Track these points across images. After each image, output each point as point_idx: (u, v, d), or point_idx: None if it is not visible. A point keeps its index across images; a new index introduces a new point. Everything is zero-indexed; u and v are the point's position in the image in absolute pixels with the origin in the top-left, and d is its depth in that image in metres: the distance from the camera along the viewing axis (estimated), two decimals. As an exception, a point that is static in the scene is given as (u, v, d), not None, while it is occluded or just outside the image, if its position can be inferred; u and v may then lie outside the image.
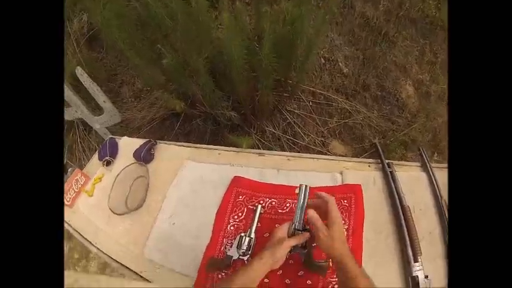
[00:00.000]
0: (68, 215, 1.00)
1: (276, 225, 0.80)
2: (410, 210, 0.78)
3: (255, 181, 0.92)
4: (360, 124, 1.80)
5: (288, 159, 0.98)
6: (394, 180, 0.85)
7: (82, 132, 2.02)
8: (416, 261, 0.71)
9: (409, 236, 0.74)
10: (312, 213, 0.64)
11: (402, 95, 1.98)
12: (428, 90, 2.03)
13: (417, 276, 0.68)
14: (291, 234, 0.68)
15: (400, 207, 0.79)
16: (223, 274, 0.77)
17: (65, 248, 1.85)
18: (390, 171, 0.88)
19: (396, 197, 0.81)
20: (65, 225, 0.98)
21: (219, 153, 1.04)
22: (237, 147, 1.03)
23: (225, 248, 0.81)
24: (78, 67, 1.38)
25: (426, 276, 0.69)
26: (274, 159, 0.99)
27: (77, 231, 0.96)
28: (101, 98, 1.48)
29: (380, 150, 0.95)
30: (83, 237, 0.94)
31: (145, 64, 1.34)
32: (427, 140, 1.89)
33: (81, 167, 1.17)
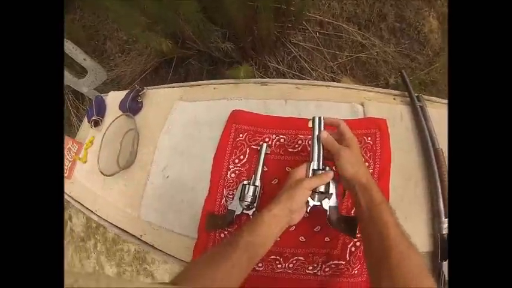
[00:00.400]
0: (68, 186, 0.98)
1: (287, 169, 0.68)
2: (443, 155, 0.66)
3: (258, 114, 0.78)
4: (374, 59, 1.64)
5: (297, 87, 0.82)
6: (425, 118, 0.71)
7: (74, 102, 1.96)
8: (447, 216, 0.60)
9: (441, 187, 0.63)
10: (326, 135, 0.58)
11: (424, 29, 1.76)
12: (454, 25, 1.83)
13: (447, 234, 0.58)
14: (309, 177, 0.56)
15: (432, 151, 0.67)
16: (225, 233, 0.67)
17: (82, 219, 1.98)
18: (420, 106, 0.73)
19: (428, 137, 0.68)
20: (66, 197, 0.98)
21: (214, 88, 0.89)
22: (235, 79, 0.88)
23: (226, 200, 0.70)
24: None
25: None
26: (280, 88, 0.83)
27: (78, 201, 0.94)
28: (79, 56, 1.37)
29: (407, 79, 0.79)
30: (84, 206, 0.92)
31: (120, 3, 1.16)
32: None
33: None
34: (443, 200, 0.62)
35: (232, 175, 0.72)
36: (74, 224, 2.00)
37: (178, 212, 0.75)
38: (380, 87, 1.59)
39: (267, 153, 0.70)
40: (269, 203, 0.53)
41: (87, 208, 0.90)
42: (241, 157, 0.73)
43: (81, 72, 1.47)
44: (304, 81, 0.82)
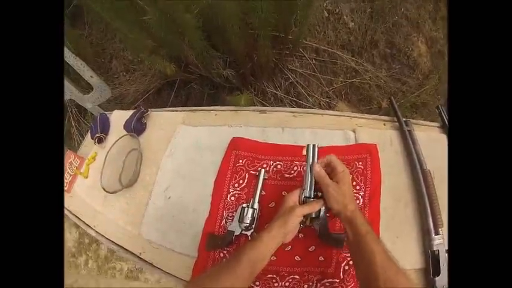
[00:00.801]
0: (66, 200, 0.97)
1: (283, 193, 0.72)
2: (431, 176, 0.70)
3: (257, 141, 0.82)
4: (367, 84, 1.68)
5: (294, 115, 0.87)
6: (413, 141, 0.76)
7: (76, 115, 1.96)
8: (437, 233, 0.63)
9: (430, 206, 0.66)
10: (318, 168, 0.61)
11: (414, 53, 1.83)
12: (441, 49, 1.88)
13: (438, 250, 0.61)
14: (302, 203, 0.61)
15: (420, 172, 0.70)
16: (225, 252, 0.69)
17: (75, 234, 1.90)
18: (408, 131, 0.78)
19: (416, 160, 0.72)
20: (65, 211, 0.97)
21: (215, 114, 0.93)
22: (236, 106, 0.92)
23: (226, 222, 0.73)
24: (59, 45, 1.27)
25: (447, 250, 0.61)
26: (277, 117, 0.88)
27: (76, 216, 0.93)
28: (86, 73, 1.39)
29: (396, 106, 0.84)
30: (82, 221, 0.92)
31: (128, 27, 1.21)
32: (440, 103, 1.78)
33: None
34: (433, 218, 0.65)
35: (232, 198, 0.75)
36: (66, 239, 1.92)
37: (179, 231, 0.76)
38: (373, 110, 1.64)
39: (265, 179, 0.74)
40: (267, 226, 0.59)
41: (85, 223, 0.90)
42: (241, 181, 0.77)
43: (86, 88, 1.47)
44: (301, 109, 0.87)
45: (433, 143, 0.77)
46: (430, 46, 1.88)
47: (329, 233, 0.62)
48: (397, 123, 0.82)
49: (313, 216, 0.61)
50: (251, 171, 0.77)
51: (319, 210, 0.61)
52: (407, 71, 1.80)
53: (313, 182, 0.62)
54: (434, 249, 0.61)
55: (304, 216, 0.60)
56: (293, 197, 0.62)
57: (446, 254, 0.61)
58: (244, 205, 0.70)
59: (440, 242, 0.62)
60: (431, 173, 0.70)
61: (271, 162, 0.77)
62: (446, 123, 0.80)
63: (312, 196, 0.61)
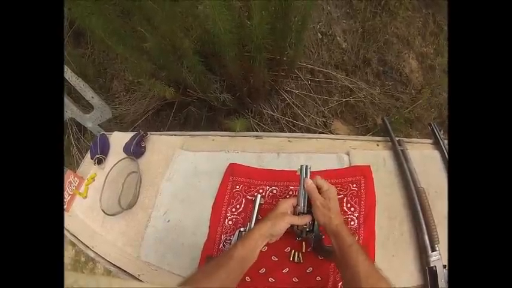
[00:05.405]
0: (65, 219, 0.97)
1: None
2: (425, 193, 0.71)
3: (253, 167, 0.84)
4: (362, 102, 1.72)
5: (289, 140, 0.90)
6: (406, 160, 0.78)
7: (76, 133, 1.97)
8: (433, 250, 0.64)
9: (425, 223, 0.68)
10: (309, 183, 0.66)
11: (405, 70, 1.88)
12: (432, 63, 1.92)
13: (435, 266, 0.62)
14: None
15: (414, 190, 0.72)
16: None
17: (71, 252, 1.86)
18: (401, 150, 0.80)
19: (410, 178, 0.74)
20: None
21: (213, 140, 0.96)
22: (232, 131, 0.95)
23: (224, 245, 0.75)
24: (61, 64, 1.31)
25: (445, 266, 0.62)
26: (273, 142, 0.91)
27: (74, 235, 0.93)
28: (88, 94, 1.42)
29: (389, 126, 0.87)
30: (80, 241, 0.91)
31: (130, 52, 1.26)
32: (433, 117, 1.80)
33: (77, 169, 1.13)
34: (428, 235, 0.66)
35: (230, 222, 0.77)
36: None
37: (178, 254, 0.77)
38: (369, 127, 1.67)
39: (261, 203, 0.76)
40: (256, 224, 0.65)
41: (83, 243, 0.90)
42: (238, 206, 0.79)
43: (87, 107, 1.48)
44: (296, 134, 0.90)
45: (427, 160, 0.79)
46: (421, 61, 1.93)
47: (322, 246, 0.66)
48: (390, 143, 0.84)
49: (308, 229, 0.66)
50: (248, 197, 0.79)
51: (313, 224, 0.65)
52: (400, 87, 1.84)
53: (306, 199, 0.66)
54: (432, 265, 0.62)
55: (298, 228, 0.66)
56: (286, 204, 0.66)
57: (444, 270, 0.62)
58: (241, 229, 0.72)
59: (437, 258, 0.63)
60: (426, 190, 0.72)
61: (267, 187, 0.80)
62: (439, 139, 0.82)
63: (305, 211, 0.66)
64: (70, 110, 1.52)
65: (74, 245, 0.95)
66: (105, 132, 1.17)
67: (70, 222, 0.96)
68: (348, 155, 0.82)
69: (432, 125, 0.86)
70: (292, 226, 0.65)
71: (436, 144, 0.83)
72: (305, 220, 0.65)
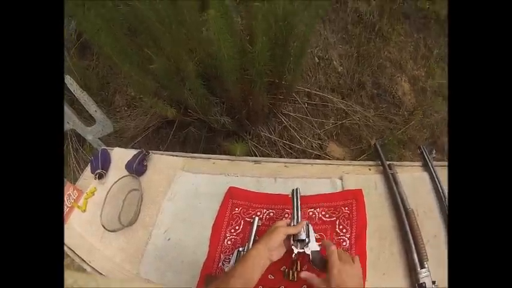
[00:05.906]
0: None
1: None
2: (414, 214, 0.75)
3: (251, 191, 0.89)
4: (356, 124, 1.77)
5: (285, 165, 0.94)
6: (396, 183, 0.82)
7: (75, 144, 1.98)
8: (422, 267, 0.67)
9: (414, 242, 0.71)
10: (333, 247, 0.62)
11: (398, 92, 1.95)
12: (424, 86, 2.00)
13: (424, 283, 0.65)
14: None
15: (403, 212, 0.76)
16: None
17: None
18: (392, 174, 0.84)
19: (399, 201, 0.78)
20: None
21: (213, 163, 1.00)
22: (232, 154, 0.99)
23: (223, 264, 0.78)
24: (67, 76, 1.34)
25: (434, 282, 0.65)
26: (270, 167, 0.95)
27: (70, 249, 0.92)
28: (91, 107, 1.43)
29: (380, 151, 0.91)
30: (77, 255, 0.91)
31: (135, 70, 1.31)
32: (425, 137, 1.86)
33: (75, 180, 1.14)
34: (417, 253, 0.68)
35: (229, 242, 0.81)
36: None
37: (178, 272, 0.79)
38: (363, 149, 1.71)
39: (259, 225, 0.80)
40: (255, 243, 0.67)
41: (79, 257, 0.90)
42: (237, 227, 0.83)
43: (89, 119, 1.50)
44: (292, 160, 0.94)
45: (416, 182, 0.83)
46: (413, 84, 2.01)
47: (323, 259, 0.66)
48: (381, 167, 0.87)
49: (303, 238, 0.67)
50: (246, 218, 0.83)
51: (308, 234, 0.67)
52: (394, 109, 1.90)
53: (299, 217, 0.71)
54: (421, 281, 0.64)
55: (293, 239, 0.67)
56: (281, 222, 0.69)
57: (433, 286, 0.64)
58: (240, 249, 0.75)
59: (427, 274, 0.65)
60: (415, 210, 0.75)
61: (265, 210, 0.84)
62: (428, 161, 0.85)
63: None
64: (72, 121, 1.52)
65: (67, 256, 0.92)
66: (107, 148, 1.18)
67: (67, 235, 0.95)
68: (341, 179, 0.86)
69: (422, 148, 0.90)
70: (289, 241, 0.67)
71: (425, 166, 0.86)
72: (298, 228, 0.67)
